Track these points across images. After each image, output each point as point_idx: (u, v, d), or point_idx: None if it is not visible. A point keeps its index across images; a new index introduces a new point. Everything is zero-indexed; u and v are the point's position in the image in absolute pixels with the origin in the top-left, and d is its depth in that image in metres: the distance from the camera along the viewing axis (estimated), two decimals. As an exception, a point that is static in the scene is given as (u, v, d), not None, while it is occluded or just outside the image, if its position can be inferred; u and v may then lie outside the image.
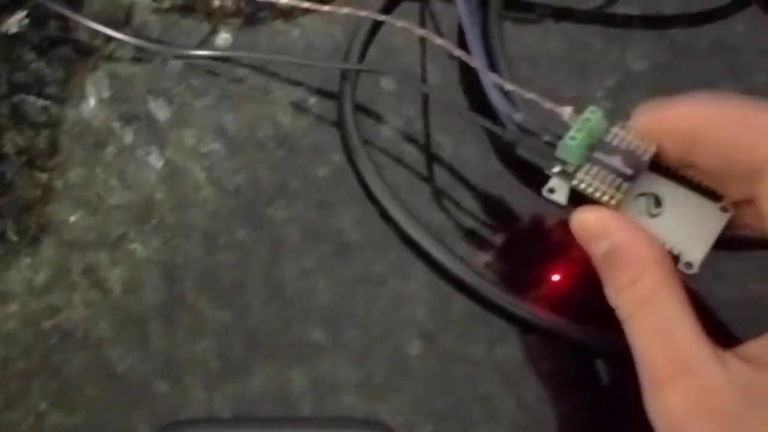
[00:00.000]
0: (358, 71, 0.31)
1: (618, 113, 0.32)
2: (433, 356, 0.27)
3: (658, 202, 0.23)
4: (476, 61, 0.26)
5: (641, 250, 0.21)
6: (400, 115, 0.31)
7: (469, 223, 0.29)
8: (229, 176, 0.29)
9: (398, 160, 0.30)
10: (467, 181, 0.30)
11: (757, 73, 0.34)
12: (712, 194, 0.22)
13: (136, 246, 0.28)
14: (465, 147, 0.31)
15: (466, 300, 0.28)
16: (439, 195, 0.30)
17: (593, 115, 0.24)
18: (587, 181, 0.23)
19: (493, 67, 0.31)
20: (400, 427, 0.26)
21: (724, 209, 0.22)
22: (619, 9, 0.35)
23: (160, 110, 0.31)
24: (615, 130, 0.24)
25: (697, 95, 0.22)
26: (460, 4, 0.28)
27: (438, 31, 0.33)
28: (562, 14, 0.35)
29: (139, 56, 0.32)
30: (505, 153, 0.31)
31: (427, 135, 0.31)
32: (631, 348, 0.21)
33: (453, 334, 0.27)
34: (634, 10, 0.35)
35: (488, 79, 0.26)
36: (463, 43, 0.32)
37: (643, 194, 0.23)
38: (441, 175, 0.30)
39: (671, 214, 0.23)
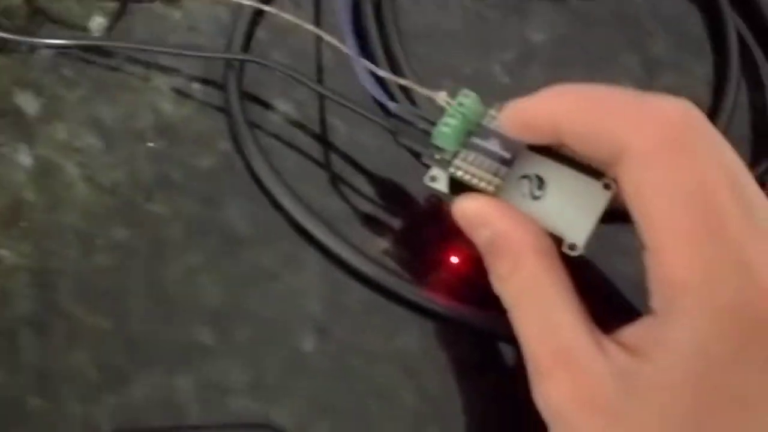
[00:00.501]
0: (242, 63, 0.29)
1: (518, 88, 0.31)
2: (328, 351, 0.25)
3: (541, 183, 0.22)
4: (348, 46, 0.24)
5: (520, 239, 0.21)
6: (290, 98, 0.30)
7: (366, 209, 0.28)
8: (106, 172, 0.27)
9: (289, 146, 0.29)
10: (363, 166, 0.29)
11: (657, 44, 0.33)
12: (594, 171, 0.22)
13: (3, 252, 0.26)
14: (360, 130, 0.29)
15: (363, 290, 0.26)
16: (333, 181, 0.29)
17: (467, 99, 0.23)
18: (464, 168, 0.22)
19: (385, 45, 0.30)
20: (294, 428, 0.24)
21: (606, 186, 0.22)
22: (518, -20, 0.34)
23: (29, 103, 0.28)
24: (492, 112, 0.23)
25: (554, 88, 0.21)
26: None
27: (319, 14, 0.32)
28: (460, -13, 0.33)
29: (3, 45, 0.29)
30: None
31: (321, 119, 0.30)
32: (518, 338, 0.21)
33: (349, 326, 0.26)
34: (533, -19, 0.34)
35: (360, 67, 0.25)
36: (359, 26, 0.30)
37: (525, 176, 0.22)
38: (335, 160, 0.29)
39: (554, 195, 0.22)
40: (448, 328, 0.26)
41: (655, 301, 0.19)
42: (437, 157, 0.23)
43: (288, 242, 0.27)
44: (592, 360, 0.19)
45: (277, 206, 0.27)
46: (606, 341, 0.19)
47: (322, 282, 0.26)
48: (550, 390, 0.19)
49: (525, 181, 0.22)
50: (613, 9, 0.34)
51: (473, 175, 0.22)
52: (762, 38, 0.33)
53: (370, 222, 0.28)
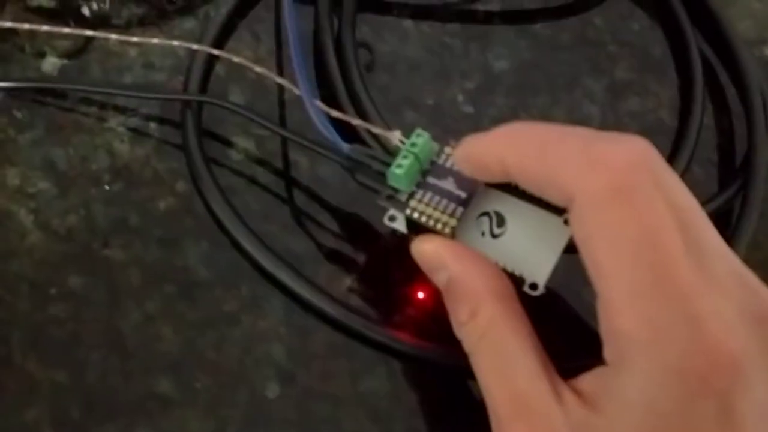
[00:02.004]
0: (200, 102, 0.29)
1: (481, 118, 0.31)
2: (292, 397, 0.25)
3: (500, 220, 0.22)
4: (301, 89, 0.24)
5: (476, 282, 0.21)
6: (251, 134, 0.29)
7: (330, 246, 0.28)
8: (60, 217, 0.27)
9: (251, 185, 0.28)
10: (326, 202, 0.28)
11: (621, 68, 0.33)
12: (554, 207, 0.21)
13: (-48, 305, 0.25)
14: (322, 166, 0.29)
15: (328, 331, 0.26)
16: (296, 219, 0.28)
17: (419, 138, 0.23)
18: (420, 209, 0.22)
19: (346, 79, 0.30)
20: (258, 480, 0.24)
21: (566, 221, 0.21)
22: (480, 5, 0.34)
23: (-21, 148, 0.27)
24: (447, 150, 0.23)
25: (504, 127, 0.21)
26: (287, 25, 0.26)
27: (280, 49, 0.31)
28: (421, 13, 0.33)
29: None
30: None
31: (282, 155, 0.29)
32: (479, 384, 0.20)
33: (314, 370, 0.25)
34: (495, 6, 0.34)
35: (313, 108, 0.24)
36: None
37: (485, 213, 0.22)
38: (298, 197, 0.28)
39: (514, 232, 0.22)
40: (415, 367, 0.26)
41: (607, 351, 0.18)
42: (393, 197, 0.23)
43: (249, 285, 0.26)
44: (549, 410, 0.18)
45: (238, 247, 0.26)
46: (564, 390, 0.19)
47: (285, 325, 0.26)
48: None
49: (484, 219, 0.22)
50: (576, 33, 0.34)
51: (429, 217, 0.22)
52: (727, 59, 0.33)
53: (334, 260, 0.27)
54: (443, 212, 0.22)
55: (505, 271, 0.21)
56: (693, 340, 0.17)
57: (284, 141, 0.29)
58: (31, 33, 0.29)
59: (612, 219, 0.18)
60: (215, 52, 0.29)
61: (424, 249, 0.22)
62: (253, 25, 0.32)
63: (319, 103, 0.25)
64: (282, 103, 0.30)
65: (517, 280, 0.21)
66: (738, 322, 0.18)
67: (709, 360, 0.17)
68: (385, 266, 0.28)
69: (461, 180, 0.22)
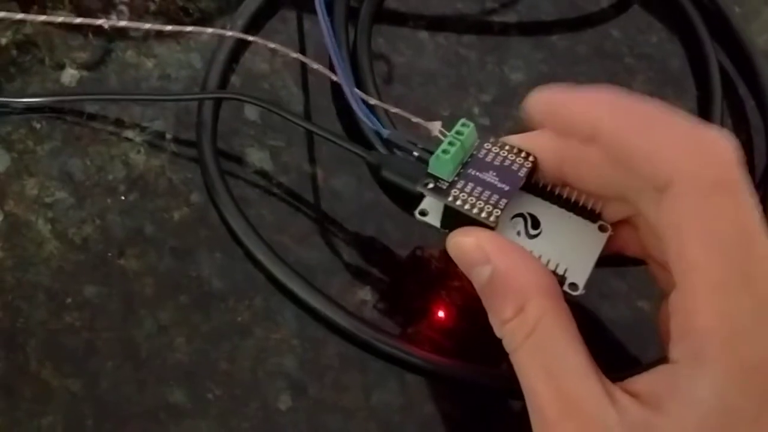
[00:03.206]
0: (218, 99, 0.29)
1: (497, 130, 0.31)
2: (304, 409, 0.25)
3: (535, 223, 0.21)
4: (339, 75, 0.23)
5: (524, 277, 0.20)
6: (265, 146, 0.29)
7: (344, 258, 0.28)
8: (77, 227, 0.27)
9: (265, 196, 0.28)
10: (340, 214, 0.28)
11: (639, 80, 0.33)
12: (588, 213, 0.21)
13: (-30, 313, 0.25)
14: (337, 177, 0.29)
15: (341, 343, 0.26)
16: (310, 231, 0.28)
17: (465, 128, 0.22)
18: (462, 198, 0.21)
19: (360, 87, 0.30)
20: (269, 492, 0.23)
21: (602, 228, 0.21)
22: (496, 17, 0.34)
23: (-1, 158, 0.28)
24: (488, 145, 0.22)
25: (600, 87, 0.20)
26: (320, 18, 0.26)
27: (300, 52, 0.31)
28: (437, 25, 0.33)
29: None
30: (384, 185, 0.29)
31: (296, 167, 0.29)
32: (520, 382, 0.20)
33: (326, 382, 0.25)
34: (511, 18, 0.34)
35: (353, 95, 0.24)
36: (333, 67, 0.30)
37: (519, 215, 0.21)
38: (311, 208, 0.28)
39: (550, 234, 0.21)
40: (428, 381, 0.26)
41: (678, 349, 0.18)
42: (433, 186, 0.22)
43: (263, 296, 0.26)
44: (602, 411, 0.18)
45: (252, 258, 0.27)
46: (616, 391, 0.18)
47: (298, 337, 0.26)
48: None
49: (519, 220, 0.22)
50: (593, 46, 0.34)
51: (473, 205, 0.21)
52: (746, 73, 0.33)
53: (348, 272, 0.27)
54: (486, 202, 0.21)
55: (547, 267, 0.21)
56: None
57: (296, 153, 0.29)
58: (51, 45, 0.30)
59: (712, 210, 0.17)
60: (248, 37, 0.29)
61: (464, 241, 0.21)
62: (269, 38, 0.32)
63: (357, 91, 0.25)
64: (298, 114, 0.30)
65: (558, 279, 0.20)
66: None
67: None
68: (398, 280, 0.27)
69: (503, 173, 0.21)
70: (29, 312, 0.25)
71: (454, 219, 0.21)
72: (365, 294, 0.27)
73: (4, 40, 0.30)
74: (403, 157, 0.25)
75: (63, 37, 0.30)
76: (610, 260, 0.22)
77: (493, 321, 0.20)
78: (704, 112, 0.32)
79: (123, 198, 0.27)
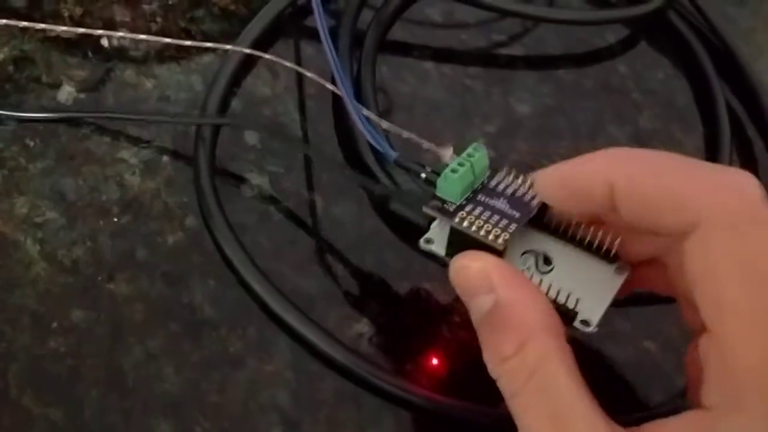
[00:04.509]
0: (216, 126, 0.28)
1: (501, 161, 0.30)
2: (296, 446, 0.24)
3: (547, 261, 0.20)
4: (344, 95, 0.23)
5: (528, 311, 0.18)
6: (264, 171, 0.29)
7: (342, 289, 0.27)
8: (66, 248, 0.26)
9: (262, 223, 0.28)
10: (339, 243, 0.28)
11: (645, 116, 0.32)
12: (605, 254, 0.20)
13: (-50, 336, 0.24)
14: (337, 205, 0.28)
15: (336, 378, 0.25)
16: (308, 260, 0.27)
17: (477, 152, 0.21)
18: (469, 220, 0.20)
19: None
20: None
21: (619, 270, 0.20)
22: (502, 49, 0.34)
23: (-11, 176, 0.27)
24: (501, 175, 0.21)
25: (608, 149, 0.19)
26: (323, 38, 0.26)
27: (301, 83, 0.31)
28: (442, 56, 0.33)
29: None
30: (382, 210, 0.28)
31: (295, 193, 0.28)
32: (518, 425, 0.18)
33: (320, 418, 0.24)
34: (517, 51, 0.34)
35: (360, 117, 0.23)
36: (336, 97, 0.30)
37: (530, 251, 0.20)
38: (310, 236, 0.28)
39: (562, 272, 0.20)
40: (425, 420, 0.25)
41: (715, 394, 0.17)
42: (441, 207, 0.21)
43: (256, 326, 0.25)
44: None
45: (246, 286, 0.26)
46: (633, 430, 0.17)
47: (292, 370, 0.25)
48: None
49: (530, 256, 0.20)
50: (600, 80, 0.33)
51: (480, 228, 0.19)
52: (754, 112, 0.33)
53: (346, 304, 0.26)
54: (495, 225, 0.19)
55: (555, 302, 0.19)
56: None
57: (296, 180, 0.29)
58: (48, 63, 0.29)
59: (745, 247, 0.17)
60: (255, 52, 0.28)
61: (469, 266, 0.19)
62: (271, 62, 0.31)
63: (365, 110, 0.24)
64: (298, 140, 0.30)
65: (567, 314, 0.19)
66: None
67: None
68: (398, 311, 0.27)
69: (514, 203, 0.20)
70: (12, 336, 0.24)
71: (460, 244, 0.20)
72: (363, 327, 0.26)
73: (1, 56, 0.29)
74: (409, 190, 0.24)
75: (61, 54, 0.29)
76: (639, 298, 0.21)
77: (489, 358, 0.19)
78: (712, 150, 0.32)
79: (116, 220, 0.27)
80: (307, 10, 0.31)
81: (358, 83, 0.30)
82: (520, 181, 0.21)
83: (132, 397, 0.24)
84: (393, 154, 0.23)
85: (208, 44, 0.29)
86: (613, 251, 0.20)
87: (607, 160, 0.19)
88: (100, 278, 0.26)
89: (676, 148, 0.32)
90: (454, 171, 0.20)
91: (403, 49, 0.33)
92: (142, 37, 0.29)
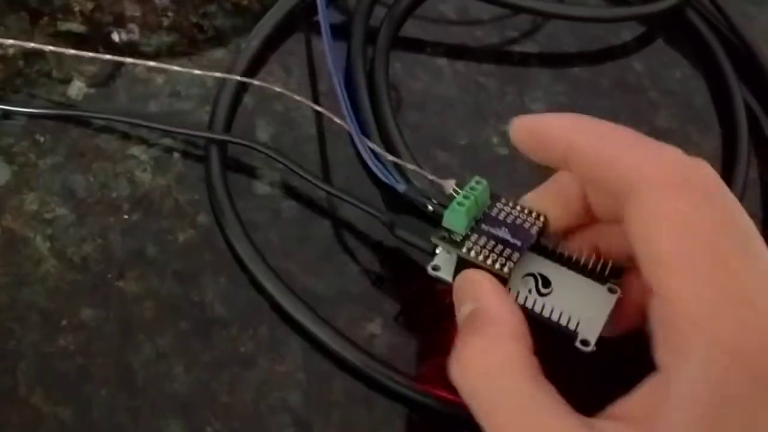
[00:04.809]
0: (228, 122, 0.28)
1: (515, 160, 0.30)
2: (307, 448, 0.23)
3: (546, 283, 0.22)
4: (352, 131, 0.24)
5: (504, 317, 0.20)
6: (276, 168, 0.28)
7: (355, 289, 0.26)
8: (76, 245, 0.26)
9: (274, 220, 0.27)
10: (352, 242, 0.27)
11: (662, 115, 0.32)
12: (597, 275, 0.22)
13: (-41, 333, 0.24)
14: (349, 204, 0.28)
15: (348, 379, 0.24)
16: (319, 258, 0.27)
17: (479, 185, 0.23)
18: (476, 250, 0.21)
19: (377, 116, 0.29)
20: None
21: (611, 290, 0.21)
22: (517, 47, 0.33)
23: (-1, 171, 0.27)
24: (500, 204, 0.23)
25: (569, 113, 0.21)
26: (328, 62, 0.26)
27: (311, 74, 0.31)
28: (455, 53, 0.32)
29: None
30: (394, 205, 0.28)
31: (308, 191, 0.28)
32: (482, 424, 0.19)
33: (332, 420, 0.24)
34: (532, 48, 0.33)
35: (365, 150, 0.25)
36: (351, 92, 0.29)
37: (530, 274, 0.22)
38: (322, 235, 0.27)
39: (561, 294, 0.21)
40: (437, 422, 0.24)
41: (663, 352, 0.18)
42: (448, 238, 0.22)
43: (268, 325, 0.25)
44: None
45: (257, 286, 0.25)
46: (596, 422, 0.18)
47: (303, 370, 0.24)
48: None
49: (530, 279, 0.22)
50: (615, 79, 0.33)
51: (486, 257, 0.21)
52: (771, 111, 0.32)
53: (358, 303, 0.26)
54: (500, 255, 0.21)
55: (557, 322, 0.21)
56: (755, 322, 0.17)
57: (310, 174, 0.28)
58: (59, 57, 0.29)
59: (679, 207, 0.18)
60: (247, 80, 0.28)
61: (470, 276, 0.21)
62: (284, 58, 0.31)
63: (373, 145, 0.25)
64: (308, 137, 0.29)
65: (568, 334, 0.21)
66: None
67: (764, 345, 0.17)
68: (410, 314, 0.26)
69: (515, 231, 0.22)
70: (21, 333, 0.24)
71: (468, 264, 0.22)
72: (375, 327, 0.26)
73: (11, 51, 0.29)
74: (414, 217, 0.25)
75: (73, 49, 0.29)
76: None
77: (458, 359, 0.20)
78: (729, 152, 0.31)
79: (126, 217, 0.26)
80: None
81: (371, 79, 0.30)
82: (519, 208, 0.23)
83: (141, 396, 0.23)
84: (401, 188, 0.25)
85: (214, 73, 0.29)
86: (606, 272, 0.22)
87: (570, 121, 0.21)
88: (110, 276, 0.25)
89: (693, 148, 0.32)
90: (460, 204, 0.22)
91: (417, 45, 0.32)
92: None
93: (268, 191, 0.28)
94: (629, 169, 0.19)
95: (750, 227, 0.18)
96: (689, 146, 0.32)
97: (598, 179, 0.20)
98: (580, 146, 0.20)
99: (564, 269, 0.22)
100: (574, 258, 0.22)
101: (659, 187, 0.18)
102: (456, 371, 0.20)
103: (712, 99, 0.33)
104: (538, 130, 0.21)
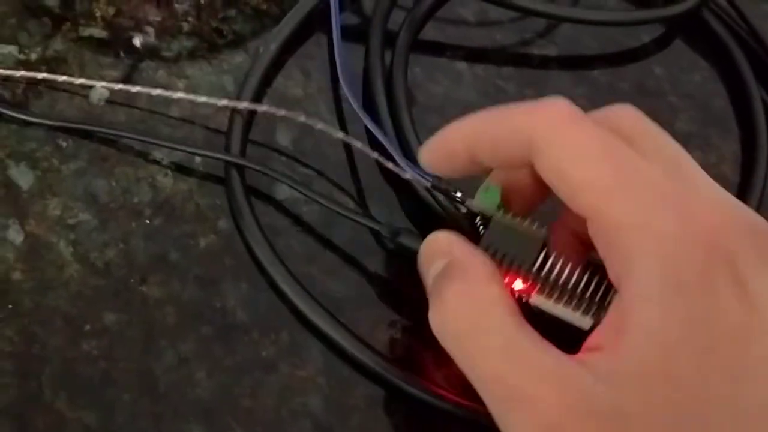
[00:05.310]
0: (247, 127, 0.28)
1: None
2: (328, 453, 0.24)
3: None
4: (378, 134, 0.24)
5: (477, 262, 0.20)
6: (297, 173, 0.28)
7: (375, 293, 0.27)
8: (99, 251, 0.26)
9: (294, 225, 0.27)
10: (372, 246, 0.27)
11: (681, 119, 0.32)
12: (584, 309, 0.21)
13: (-15, 337, 0.24)
14: (370, 207, 0.28)
15: (368, 384, 0.25)
16: (340, 263, 0.27)
17: (495, 186, 0.23)
18: (509, 217, 0.22)
19: (395, 120, 0.29)
20: None
21: (592, 318, 0.21)
22: (536, 50, 0.33)
23: (22, 177, 0.27)
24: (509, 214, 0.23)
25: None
26: (342, 81, 0.26)
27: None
28: (475, 56, 0.32)
29: None
30: (413, 212, 0.28)
31: (328, 196, 0.28)
32: (471, 375, 0.19)
33: (352, 425, 0.24)
34: (551, 51, 0.33)
35: (396, 150, 0.25)
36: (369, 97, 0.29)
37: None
38: (342, 239, 0.27)
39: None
40: (458, 426, 0.24)
41: (613, 267, 0.18)
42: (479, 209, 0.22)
43: (288, 330, 0.25)
44: (575, 373, 0.18)
45: (278, 291, 0.26)
46: (578, 356, 0.18)
47: (324, 375, 0.25)
48: (538, 412, 0.18)
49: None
50: (635, 82, 0.33)
51: (521, 221, 0.21)
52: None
53: (378, 308, 0.26)
54: (531, 223, 0.21)
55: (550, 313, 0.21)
56: (687, 214, 0.18)
57: (330, 181, 0.29)
58: (81, 62, 0.29)
59: (577, 134, 0.19)
60: (259, 107, 0.28)
61: (439, 236, 0.22)
62: (302, 62, 0.31)
63: (403, 159, 0.25)
64: (329, 143, 0.29)
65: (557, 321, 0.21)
66: (724, 202, 0.19)
67: (706, 225, 0.18)
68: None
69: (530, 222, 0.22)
70: (45, 338, 0.24)
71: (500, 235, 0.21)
72: (396, 332, 0.26)
73: (33, 56, 0.29)
74: (412, 229, 0.26)
75: (93, 54, 0.29)
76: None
77: (436, 311, 0.20)
78: (748, 155, 0.31)
79: (148, 222, 0.27)
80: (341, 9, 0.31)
81: (390, 83, 0.30)
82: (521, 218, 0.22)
83: (164, 401, 0.24)
84: (428, 182, 0.24)
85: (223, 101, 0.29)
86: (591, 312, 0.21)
87: (460, 120, 0.22)
88: (132, 281, 0.25)
89: (713, 151, 0.32)
90: (492, 188, 0.22)
91: (436, 49, 0.32)
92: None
93: (288, 195, 0.28)
94: (525, 127, 0.20)
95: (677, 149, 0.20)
96: (709, 149, 0.32)
97: (507, 155, 0.21)
98: (478, 137, 0.21)
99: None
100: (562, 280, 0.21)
101: (557, 127, 0.19)
102: (437, 322, 0.20)
103: (731, 102, 0.33)
104: (441, 140, 0.22)
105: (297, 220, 0.27)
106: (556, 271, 0.21)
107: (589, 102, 0.31)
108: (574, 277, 0.20)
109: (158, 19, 0.31)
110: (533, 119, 0.20)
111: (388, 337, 0.26)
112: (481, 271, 0.20)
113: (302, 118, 0.27)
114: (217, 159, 0.27)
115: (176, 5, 0.31)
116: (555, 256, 0.21)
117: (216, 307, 0.25)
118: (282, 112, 0.27)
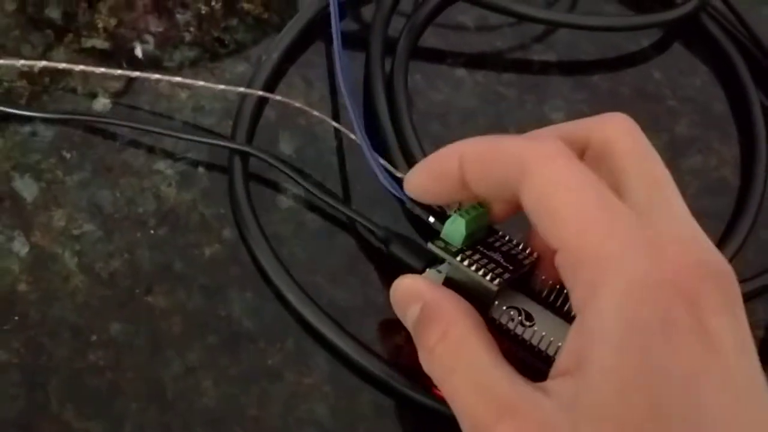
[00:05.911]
0: (250, 134, 0.28)
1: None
2: (335, 461, 0.24)
3: (529, 317, 0.22)
4: (363, 146, 0.24)
5: (449, 306, 0.21)
6: (300, 182, 0.28)
7: (380, 300, 0.27)
8: (104, 261, 0.26)
9: (298, 233, 0.28)
10: (376, 253, 0.27)
11: (681, 123, 0.32)
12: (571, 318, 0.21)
13: (-8, 349, 0.24)
14: (374, 215, 0.28)
15: (374, 392, 0.25)
16: (344, 271, 0.27)
17: (480, 208, 0.23)
18: (469, 261, 0.22)
19: (396, 127, 0.29)
20: None
21: None
22: (536, 56, 0.33)
23: (27, 188, 0.27)
24: (497, 236, 0.23)
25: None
26: (340, 83, 0.27)
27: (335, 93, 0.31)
28: (475, 62, 0.32)
29: (4, 125, 0.28)
30: (415, 219, 0.28)
31: (331, 204, 0.28)
32: (453, 409, 0.20)
33: (359, 432, 0.24)
34: (551, 57, 0.33)
35: (377, 166, 0.25)
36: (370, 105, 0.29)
37: (514, 307, 0.22)
38: (347, 247, 0.28)
39: (542, 328, 0.21)
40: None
41: (575, 295, 0.19)
42: (446, 245, 0.22)
43: (294, 339, 0.25)
44: (536, 404, 0.18)
45: (283, 300, 0.26)
46: (545, 384, 0.19)
47: (330, 383, 0.25)
48: None
49: (514, 311, 0.22)
50: (635, 87, 0.33)
51: (478, 268, 0.21)
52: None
53: (383, 315, 0.26)
54: (491, 271, 0.21)
55: (538, 348, 0.21)
56: (656, 255, 0.18)
57: (333, 189, 0.29)
58: (84, 74, 0.29)
59: (567, 171, 0.19)
60: (276, 97, 0.28)
61: (402, 283, 0.22)
62: (304, 70, 0.31)
63: (383, 162, 0.25)
64: (330, 149, 0.30)
65: (546, 360, 0.21)
66: (694, 244, 0.19)
67: (674, 266, 0.18)
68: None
69: (509, 258, 0.22)
70: (52, 349, 0.24)
71: (455, 284, 0.22)
72: (401, 339, 0.26)
73: (37, 68, 0.29)
74: (410, 237, 0.26)
75: (96, 65, 0.29)
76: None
77: (422, 354, 0.21)
78: (749, 158, 0.31)
79: (153, 232, 0.27)
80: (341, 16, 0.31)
81: (390, 91, 0.30)
82: (514, 242, 0.23)
83: (172, 411, 0.24)
84: (408, 202, 0.25)
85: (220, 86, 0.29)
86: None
87: (451, 144, 0.22)
88: (137, 291, 0.26)
89: (713, 155, 0.32)
90: (461, 216, 0.22)
91: (436, 56, 0.32)
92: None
93: (292, 204, 0.28)
94: (515, 158, 0.20)
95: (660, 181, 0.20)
96: (710, 153, 0.32)
97: (491, 175, 0.21)
98: (471, 159, 0.21)
99: (541, 307, 0.21)
100: (558, 304, 0.22)
101: (549, 160, 0.20)
102: (426, 362, 0.21)
103: (730, 106, 0.33)
104: (430, 166, 0.23)
105: (301, 229, 0.28)
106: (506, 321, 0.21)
107: (589, 107, 0.32)
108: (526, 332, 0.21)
109: (160, 29, 0.31)
110: (527, 146, 0.20)
111: (394, 345, 0.26)
112: (453, 313, 0.21)
113: (315, 112, 0.28)
114: (224, 147, 0.28)
115: (178, 15, 0.31)
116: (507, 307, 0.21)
117: (221, 316, 0.25)
118: (297, 104, 0.28)
